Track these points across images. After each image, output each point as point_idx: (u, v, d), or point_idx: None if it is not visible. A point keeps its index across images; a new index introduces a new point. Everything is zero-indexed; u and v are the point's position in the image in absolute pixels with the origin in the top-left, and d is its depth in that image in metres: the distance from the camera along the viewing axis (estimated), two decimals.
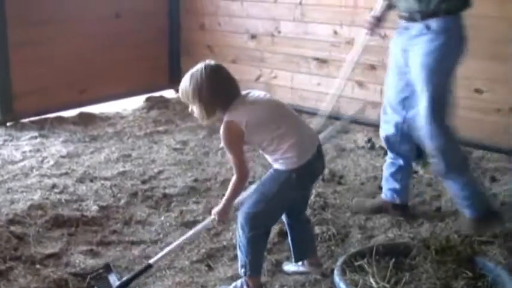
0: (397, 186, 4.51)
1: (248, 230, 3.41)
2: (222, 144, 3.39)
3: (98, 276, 3.72)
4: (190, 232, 3.81)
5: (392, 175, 4.51)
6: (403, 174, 4.51)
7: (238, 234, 3.48)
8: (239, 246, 3.50)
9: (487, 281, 3.05)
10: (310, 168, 3.41)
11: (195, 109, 3.36)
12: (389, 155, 4.54)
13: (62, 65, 6.60)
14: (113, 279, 3.67)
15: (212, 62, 3.38)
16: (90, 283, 3.66)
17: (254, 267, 3.52)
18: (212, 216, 3.59)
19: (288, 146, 3.32)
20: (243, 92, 3.42)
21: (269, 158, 3.43)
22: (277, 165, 3.39)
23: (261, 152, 3.45)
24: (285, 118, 3.41)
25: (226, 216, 3.57)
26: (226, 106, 3.33)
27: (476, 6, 5.20)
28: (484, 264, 3.23)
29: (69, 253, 3.99)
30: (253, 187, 3.68)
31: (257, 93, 3.45)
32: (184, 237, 3.80)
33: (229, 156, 3.41)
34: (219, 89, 3.32)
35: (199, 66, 3.35)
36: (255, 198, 3.42)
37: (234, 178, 3.42)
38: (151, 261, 3.72)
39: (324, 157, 3.60)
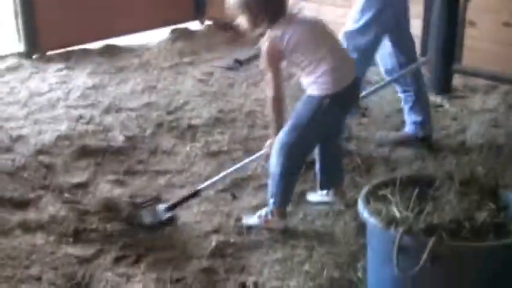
0: (418, 118, 4.50)
1: (283, 161, 3.45)
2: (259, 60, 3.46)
3: (147, 205, 3.80)
4: (241, 163, 3.87)
5: (411, 109, 4.51)
6: (420, 106, 4.50)
7: (272, 164, 3.52)
8: (272, 176, 3.54)
9: (510, 213, 3.06)
10: (343, 97, 3.43)
11: (242, 20, 3.39)
12: (399, 89, 4.53)
13: None
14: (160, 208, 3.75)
15: None
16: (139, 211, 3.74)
17: (284, 199, 3.58)
18: (264, 150, 3.62)
19: (324, 70, 3.35)
20: (292, 11, 3.44)
21: (304, 81, 3.45)
22: (310, 90, 3.41)
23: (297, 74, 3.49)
24: (327, 43, 3.44)
25: None
26: (273, 21, 3.35)
27: None
28: (508, 197, 3.23)
29: (96, 182, 4.06)
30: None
31: (304, 14, 3.47)
32: (234, 167, 3.85)
33: (265, 72, 3.45)
34: (268, 2, 3.36)
35: None
36: (289, 128, 3.45)
37: (271, 101, 3.45)
38: (199, 187, 3.79)
39: (359, 92, 3.62)
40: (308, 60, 3.36)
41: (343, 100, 3.46)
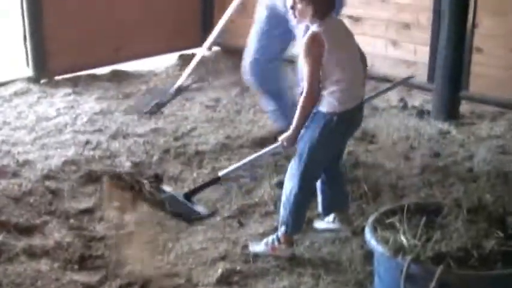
0: None
1: (297, 185, 3.48)
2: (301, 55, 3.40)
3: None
4: (259, 152, 3.93)
5: None
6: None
7: (286, 190, 3.54)
8: (283, 203, 3.55)
9: None
10: (350, 117, 3.47)
11: (295, 9, 3.37)
12: None
13: (95, 22, 6.59)
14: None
15: None
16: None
17: (295, 225, 3.59)
18: (279, 142, 3.57)
19: (337, 89, 3.36)
20: (335, 16, 3.53)
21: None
22: (320, 106, 3.40)
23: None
24: (353, 63, 3.47)
25: (295, 140, 3.49)
26: (322, 16, 3.36)
27: None
28: None
29: (103, 208, 4.04)
30: None
31: (345, 26, 3.54)
32: (252, 156, 3.91)
33: (305, 71, 3.38)
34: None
35: None
36: (300, 152, 3.47)
37: (303, 96, 3.39)
38: (220, 174, 3.85)
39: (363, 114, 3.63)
40: (328, 71, 3.35)
41: (350, 120, 3.49)
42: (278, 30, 4.53)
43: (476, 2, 5.40)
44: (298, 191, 3.50)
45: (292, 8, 3.38)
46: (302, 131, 3.46)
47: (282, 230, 3.58)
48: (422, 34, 5.86)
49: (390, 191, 4.26)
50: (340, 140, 3.63)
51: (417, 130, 5.30)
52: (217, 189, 4.28)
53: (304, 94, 3.38)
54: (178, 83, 4.91)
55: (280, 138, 3.55)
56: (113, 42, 6.74)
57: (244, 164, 3.89)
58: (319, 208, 3.83)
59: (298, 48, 3.53)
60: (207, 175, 4.46)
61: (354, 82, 3.45)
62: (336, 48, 3.36)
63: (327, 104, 3.39)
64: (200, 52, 4.54)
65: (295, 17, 3.42)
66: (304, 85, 3.39)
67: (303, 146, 3.46)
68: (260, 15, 4.64)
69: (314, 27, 3.37)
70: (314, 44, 3.34)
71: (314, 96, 3.38)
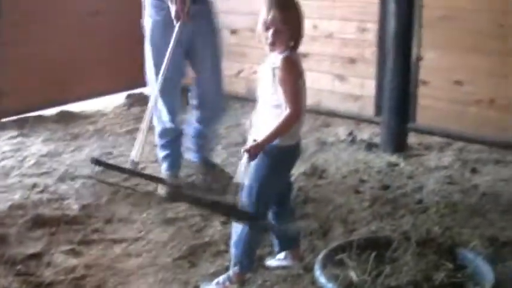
0: None
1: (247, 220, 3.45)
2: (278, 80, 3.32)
3: None
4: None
5: None
6: None
7: (236, 230, 3.51)
8: (235, 242, 3.52)
9: (467, 272, 3.07)
10: (295, 151, 3.48)
11: (271, 33, 3.30)
12: None
13: (42, 64, 6.56)
14: None
15: None
16: None
17: (249, 263, 3.56)
18: (244, 154, 3.38)
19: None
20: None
21: (272, 121, 3.38)
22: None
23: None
24: (304, 98, 3.44)
25: (260, 150, 3.34)
26: (297, 44, 3.36)
27: None
28: (465, 256, 3.24)
29: (51, 253, 3.97)
30: None
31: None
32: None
33: (285, 90, 3.31)
34: (303, 22, 3.38)
35: None
36: (248, 188, 3.44)
37: (287, 113, 3.30)
38: None
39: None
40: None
41: (294, 154, 3.50)
42: None
43: (420, 36, 5.50)
44: (251, 230, 3.47)
45: (273, 31, 3.32)
46: (251, 166, 3.43)
47: (234, 269, 3.54)
48: (368, 68, 5.95)
49: (341, 226, 4.26)
50: (287, 174, 3.63)
51: (366, 163, 5.34)
52: (167, 229, 4.24)
53: (289, 112, 3.30)
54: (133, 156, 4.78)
55: (244, 148, 3.38)
56: (60, 83, 6.69)
57: None
58: (274, 245, 3.82)
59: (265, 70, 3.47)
60: (156, 216, 4.42)
61: (303, 117, 3.46)
62: (301, 80, 3.39)
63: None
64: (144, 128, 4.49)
65: (271, 41, 3.35)
66: (288, 105, 3.30)
67: (251, 182, 3.44)
68: None
69: (289, 53, 3.34)
70: (293, 67, 3.33)
71: (300, 114, 3.35)
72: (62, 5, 6.69)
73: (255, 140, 3.32)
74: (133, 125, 6.35)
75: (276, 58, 3.33)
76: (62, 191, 4.79)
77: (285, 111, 3.30)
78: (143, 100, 7.11)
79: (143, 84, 7.35)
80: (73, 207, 4.52)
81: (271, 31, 3.30)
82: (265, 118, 3.40)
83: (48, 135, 6.00)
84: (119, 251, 4.03)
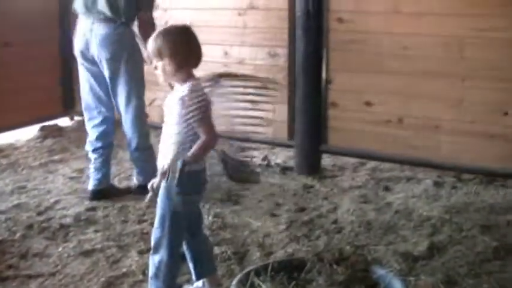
0: None
1: (166, 253, 3.44)
2: (187, 109, 3.31)
3: None
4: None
5: None
6: None
7: (153, 262, 3.49)
8: (155, 274, 3.49)
9: None
10: (203, 176, 3.50)
11: (161, 65, 3.34)
12: None
13: None
14: None
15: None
16: None
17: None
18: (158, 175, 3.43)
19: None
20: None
21: (174, 150, 3.40)
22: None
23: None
24: None
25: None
26: (192, 69, 3.38)
27: (362, 22, 5.42)
28: (378, 273, 3.32)
29: None
30: None
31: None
32: None
33: (196, 120, 3.31)
34: (193, 49, 3.37)
35: (173, 25, 3.46)
36: (160, 219, 3.45)
37: (203, 139, 3.32)
38: None
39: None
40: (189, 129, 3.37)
41: (203, 178, 3.52)
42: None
43: (328, 60, 5.62)
44: (169, 259, 3.46)
45: (156, 66, 3.39)
46: (161, 193, 3.45)
47: None
48: (279, 93, 6.02)
49: (258, 250, 4.29)
50: (198, 200, 3.64)
51: (281, 186, 5.41)
52: (83, 262, 4.20)
53: (205, 138, 3.33)
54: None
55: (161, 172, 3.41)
56: None
57: None
58: (192, 273, 3.82)
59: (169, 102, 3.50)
60: (72, 249, 4.36)
61: None
62: (210, 105, 3.41)
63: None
64: None
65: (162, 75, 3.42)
66: (202, 132, 3.33)
67: (162, 212, 3.45)
68: None
69: (193, 81, 3.38)
70: (199, 92, 3.35)
71: (216, 139, 3.39)
72: None
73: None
74: (47, 158, 6.27)
75: (181, 88, 3.37)
76: None
77: (185, 140, 3.35)
78: (57, 132, 7.05)
79: (57, 115, 7.36)
80: None
81: (156, 66, 3.38)
82: (167, 146, 3.43)
83: None
84: (35, 286, 3.95)
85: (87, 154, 5.42)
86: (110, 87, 5.08)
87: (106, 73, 5.02)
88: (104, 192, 5.21)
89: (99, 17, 4.93)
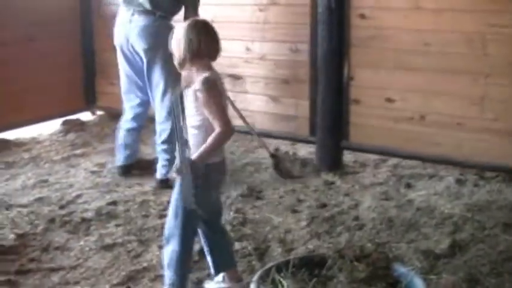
0: None
1: (178, 244, 3.49)
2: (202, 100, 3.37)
3: None
4: None
5: None
6: None
7: (166, 253, 3.54)
8: (167, 265, 3.55)
9: (402, 286, 3.12)
10: (221, 169, 3.57)
11: (178, 57, 3.48)
12: None
13: None
14: None
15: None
16: None
17: (182, 284, 3.58)
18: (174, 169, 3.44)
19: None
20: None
21: (195, 141, 3.45)
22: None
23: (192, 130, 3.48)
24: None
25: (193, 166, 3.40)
26: (209, 62, 3.48)
27: (385, 18, 5.39)
28: (399, 270, 3.30)
29: None
30: None
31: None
32: None
33: (211, 111, 3.38)
34: (209, 42, 3.46)
35: (193, 19, 3.59)
36: (174, 209, 3.50)
37: (218, 131, 3.37)
38: None
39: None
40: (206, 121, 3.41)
41: (221, 171, 3.58)
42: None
43: (350, 56, 5.60)
44: (181, 250, 3.52)
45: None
46: (176, 186, 3.49)
47: None
48: (301, 89, 6.02)
49: (279, 246, 4.30)
50: (214, 192, 3.65)
51: (303, 183, 5.40)
52: (105, 256, 4.22)
53: (219, 131, 3.37)
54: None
55: (175, 170, 3.42)
56: None
57: None
58: (210, 268, 3.83)
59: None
60: (93, 242, 4.39)
61: None
62: (224, 97, 3.50)
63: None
64: None
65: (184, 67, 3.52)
66: (218, 124, 3.37)
67: (176, 204, 3.49)
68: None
69: (207, 74, 3.42)
70: (215, 87, 3.41)
71: (231, 130, 3.42)
72: None
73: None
74: (69, 152, 6.30)
75: (197, 80, 3.42)
76: None
77: (205, 132, 3.41)
78: (79, 126, 7.08)
79: (79, 109, 7.39)
80: (8, 237, 4.45)
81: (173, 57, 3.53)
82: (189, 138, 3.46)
83: None
84: (57, 279, 3.99)
85: (117, 130, 5.68)
86: (146, 77, 5.27)
87: (143, 63, 5.23)
88: (131, 167, 5.61)
89: (138, 9, 5.14)
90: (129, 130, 5.56)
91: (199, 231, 3.69)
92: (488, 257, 4.06)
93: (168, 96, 5.17)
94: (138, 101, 5.46)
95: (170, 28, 5.07)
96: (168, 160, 5.24)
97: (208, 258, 3.77)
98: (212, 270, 3.79)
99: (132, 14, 5.18)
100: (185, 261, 3.58)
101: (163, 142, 5.29)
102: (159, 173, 5.36)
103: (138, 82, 5.38)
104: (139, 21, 5.14)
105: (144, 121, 5.44)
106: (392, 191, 5.22)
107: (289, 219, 4.72)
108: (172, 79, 5.12)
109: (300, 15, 5.99)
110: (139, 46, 5.18)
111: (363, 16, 5.57)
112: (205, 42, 3.44)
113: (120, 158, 5.63)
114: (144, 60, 5.21)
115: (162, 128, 5.30)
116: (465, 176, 5.45)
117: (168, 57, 5.01)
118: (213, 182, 3.55)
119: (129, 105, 5.51)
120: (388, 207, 4.90)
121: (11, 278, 3.99)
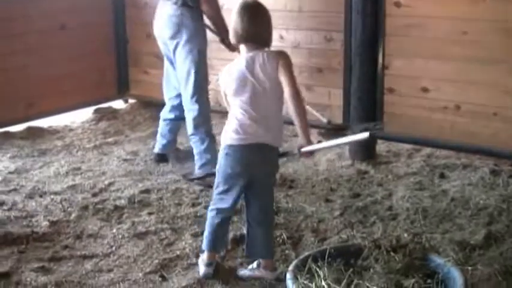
0: None
1: (211, 204, 3.84)
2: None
3: None
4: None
5: None
6: None
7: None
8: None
9: (438, 277, 3.08)
10: (243, 155, 3.65)
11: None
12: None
13: (8, 79, 6.49)
14: None
15: None
16: None
17: (207, 242, 3.80)
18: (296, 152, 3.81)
19: (241, 120, 3.63)
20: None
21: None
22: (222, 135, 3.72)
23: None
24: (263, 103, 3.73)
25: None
26: (252, 44, 3.74)
27: (420, 6, 5.31)
28: (435, 261, 3.26)
29: (20, 271, 3.93)
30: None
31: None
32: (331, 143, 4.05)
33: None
34: (248, 24, 3.71)
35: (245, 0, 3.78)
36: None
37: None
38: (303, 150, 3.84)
39: (268, 163, 3.77)
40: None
41: (242, 158, 3.66)
42: None
43: (385, 45, 5.54)
44: (210, 211, 3.78)
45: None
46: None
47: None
48: (335, 77, 5.97)
49: (312, 235, 4.28)
50: (240, 178, 3.72)
51: (336, 172, 5.36)
52: (137, 243, 4.22)
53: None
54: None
55: (303, 149, 3.76)
56: (26, 98, 6.63)
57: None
58: (245, 251, 3.87)
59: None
60: (126, 230, 4.40)
61: (263, 120, 3.66)
62: None
63: (223, 136, 3.72)
64: None
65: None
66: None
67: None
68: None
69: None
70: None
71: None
72: (28, 19, 6.63)
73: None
74: (101, 140, 6.31)
75: (255, 55, 3.67)
76: (31, 208, 4.75)
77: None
78: (111, 114, 7.10)
79: (111, 98, 7.41)
80: (42, 224, 4.48)
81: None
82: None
83: (15, 152, 5.94)
84: (90, 267, 4.00)
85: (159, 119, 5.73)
86: (174, 67, 5.32)
87: (170, 52, 5.26)
88: (167, 157, 5.65)
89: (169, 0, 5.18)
90: (166, 120, 5.60)
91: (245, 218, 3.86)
92: None
93: (191, 82, 5.17)
94: (175, 92, 5.45)
95: (196, 16, 5.15)
96: (198, 154, 5.23)
97: (247, 243, 3.84)
98: (247, 254, 3.83)
99: (164, 5, 5.25)
100: (212, 224, 3.79)
101: (192, 134, 5.26)
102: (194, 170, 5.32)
103: (175, 73, 5.38)
104: (168, 10, 5.19)
105: (183, 113, 5.38)
106: (426, 181, 5.17)
107: (322, 209, 4.69)
108: (197, 66, 5.15)
109: (334, 4, 5.93)
110: (166, 35, 5.22)
111: (398, 4, 5.49)
112: (246, 23, 3.67)
113: (156, 146, 5.68)
114: (171, 48, 5.23)
115: (187, 119, 5.27)
116: (500, 166, 5.38)
117: (192, 45, 5.12)
118: (231, 163, 3.73)
119: (168, 97, 5.55)
120: (422, 197, 4.86)
121: (44, 264, 4.01)
